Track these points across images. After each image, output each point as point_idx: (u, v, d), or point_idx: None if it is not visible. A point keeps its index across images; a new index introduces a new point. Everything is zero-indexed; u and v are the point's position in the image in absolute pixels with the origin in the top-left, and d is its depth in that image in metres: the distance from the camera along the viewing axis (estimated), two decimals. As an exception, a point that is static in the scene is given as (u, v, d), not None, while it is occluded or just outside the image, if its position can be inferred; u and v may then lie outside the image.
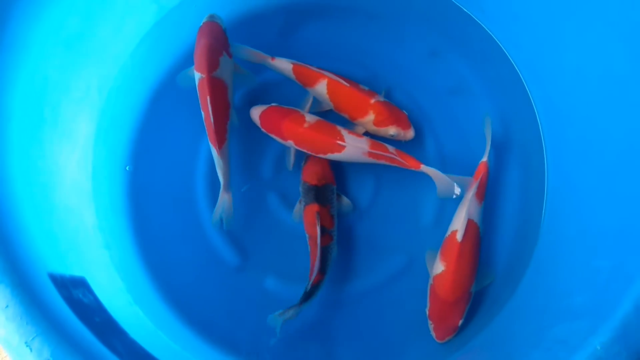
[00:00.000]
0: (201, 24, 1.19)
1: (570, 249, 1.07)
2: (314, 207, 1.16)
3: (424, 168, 1.14)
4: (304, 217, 1.18)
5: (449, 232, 1.14)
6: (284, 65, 1.22)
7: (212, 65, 1.15)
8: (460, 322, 1.10)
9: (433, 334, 1.12)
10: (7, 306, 0.82)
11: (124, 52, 1.25)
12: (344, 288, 1.20)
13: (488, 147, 1.18)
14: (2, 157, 0.96)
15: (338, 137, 1.14)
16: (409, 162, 1.14)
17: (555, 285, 1.05)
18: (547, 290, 1.07)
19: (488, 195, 1.20)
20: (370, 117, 1.19)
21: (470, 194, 1.14)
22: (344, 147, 1.14)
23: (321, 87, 1.20)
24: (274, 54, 1.21)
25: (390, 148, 1.15)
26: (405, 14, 1.29)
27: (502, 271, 1.19)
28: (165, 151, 1.25)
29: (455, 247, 1.10)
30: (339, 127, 1.17)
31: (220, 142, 1.14)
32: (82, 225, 1.15)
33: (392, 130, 1.19)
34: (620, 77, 1.02)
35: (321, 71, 1.20)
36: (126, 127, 1.25)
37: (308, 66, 1.20)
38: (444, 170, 1.16)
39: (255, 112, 1.20)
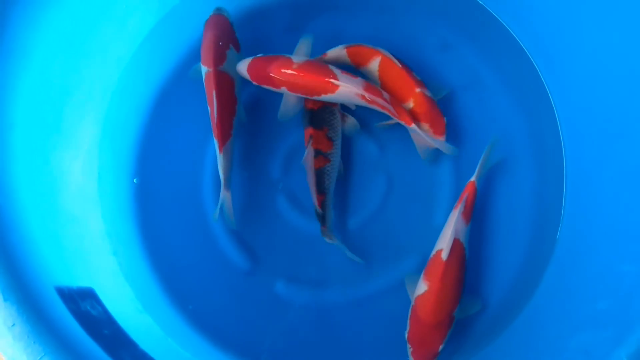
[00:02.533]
0: (208, 17, 1.18)
1: (592, 252, 1.05)
2: (308, 131, 1.16)
3: (414, 127, 1.12)
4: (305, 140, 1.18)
5: (434, 252, 1.11)
6: (336, 53, 1.20)
7: (218, 58, 1.14)
8: (441, 347, 1.07)
9: (411, 358, 1.08)
10: (13, 324, 0.81)
11: (126, 53, 1.23)
12: (358, 289, 1.18)
13: (479, 168, 1.14)
14: (5, 164, 0.95)
15: (331, 76, 1.11)
16: (401, 116, 1.12)
17: (576, 290, 1.03)
18: (567, 296, 1.06)
19: (504, 194, 1.19)
20: (409, 105, 1.16)
21: (457, 213, 1.11)
22: (337, 86, 1.10)
23: (374, 65, 1.18)
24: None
25: (385, 95, 1.12)
26: (416, 7, 1.27)
27: (518, 275, 1.17)
28: (172, 154, 1.23)
29: (440, 266, 1.07)
30: (332, 67, 1.14)
31: (224, 137, 1.13)
32: (89, 232, 1.14)
33: (423, 126, 1.15)
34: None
35: (376, 49, 1.18)
36: (131, 130, 1.23)
37: (361, 45, 1.18)
38: (459, 165, 1.17)
39: (243, 67, 1.16)
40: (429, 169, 1.21)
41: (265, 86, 1.16)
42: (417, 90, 1.15)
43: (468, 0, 1.26)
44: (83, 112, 1.17)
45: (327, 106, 1.17)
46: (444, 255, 1.07)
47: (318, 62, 1.15)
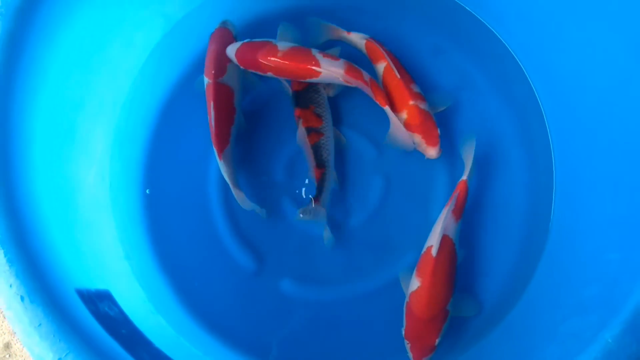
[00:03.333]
0: (213, 30, 1.23)
1: (580, 244, 1.09)
2: (296, 112, 1.21)
3: (387, 110, 1.16)
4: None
5: (424, 249, 1.13)
6: (357, 39, 1.25)
7: (218, 71, 1.19)
8: (437, 340, 1.09)
9: (410, 354, 1.10)
10: (40, 324, 0.85)
11: (135, 66, 1.27)
12: (358, 287, 1.21)
13: (468, 167, 1.16)
14: (27, 175, 0.98)
15: (313, 63, 1.15)
16: (377, 97, 1.17)
17: (567, 280, 1.07)
18: (559, 285, 1.09)
19: (496, 191, 1.23)
20: (403, 116, 1.19)
21: (447, 211, 1.13)
22: (319, 72, 1.15)
23: (379, 68, 1.23)
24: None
25: (366, 76, 1.17)
26: (408, 14, 1.30)
27: (514, 268, 1.20)
28: (178, 162, 1.27)
29: (431, 263, 1.09)
30: (314, 51, 1.18)
31: (222, 145, 1.17)
32: (103, 238, 1.17)
33: (415, 138, 1.19)
34: (626, 68, 1.04)
35: (387, 54, 1.21)
36: (140, 140, 1.27)
37: (379, 45, 1.22)
38: (454, 166, 1.21)
39: (231, 52, 1.20)
40: (425, 169, 1.24)
41: (253, 71, 1.20)
42: (411, 102, 1.18)
43: (457, 7, 1.30)
44: (95, 124, 1.21)
45: (311, 85, 1.22)
46: (434, 252, 1.09)
47: (301, 48, 1.19)
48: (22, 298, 0.86)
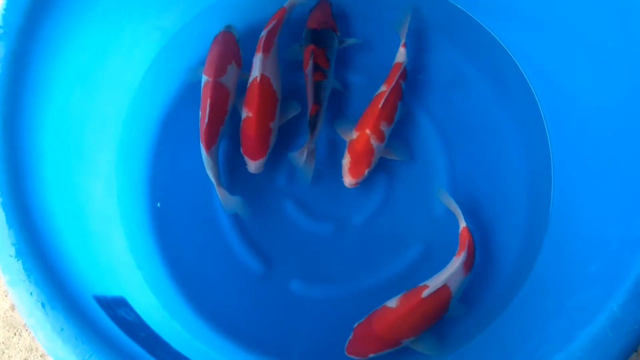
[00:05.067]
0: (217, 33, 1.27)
1: (582, 222, 1.11)
2: (310, 47, 1.24)
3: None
4: (303, 57, 1.25)
5: (421, 284, 1.12)
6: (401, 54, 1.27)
7: (219, 71, 1.21)
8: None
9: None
10: (62, 329, 0.86)
11: (134, 81, 1.30)
12: (364, 283, 1.23)
13: (458, 213, 1.16)
14: (41, 191, 1.00)
15: None
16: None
17: (571, 258, 1.09)
18: (563, 264, 1.11)
19: (495, 176, 1.26)
20: (353, 135, 1.21)
21: (458, 263, 1.11)
22: None
23: (381, 87, 1.25)
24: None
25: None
26: (400, 13, 1.31)
27: (518, 251, 1.22)
28: (182, 170, 1.29)
29: (415, 300, 1.08)
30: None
31: (210, 143, 1.18)
32: (115, 249, 1.19)
33: (345, 158, 1.21)
34: (619, 60, 1.06)
35: (396, 84, 1.22)
36: (143, 153, 1.29)
37: (399, 71, 1.24)
38: (453, 158, 1.26)
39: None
40: (425, 162, 1.27)
41: None
42: (368, 131, 1.19)
43: (448, 5, 1.34)
44: (99, 139, 1.23)
45: (329, 29, 1.27)
46: (425, 294, 1.08)
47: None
48: (42, 305, 0.87)
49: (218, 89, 1.21)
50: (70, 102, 1.13)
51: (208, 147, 1.18)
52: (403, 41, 1.26)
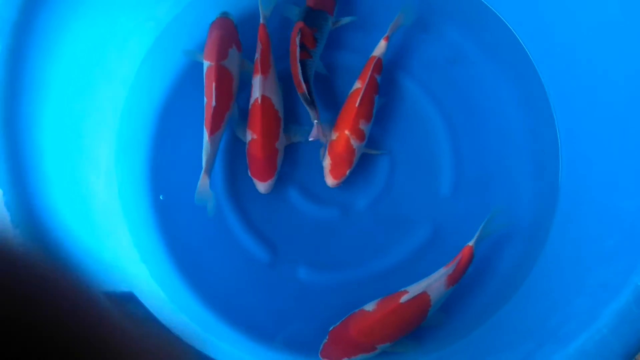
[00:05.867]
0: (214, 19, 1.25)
1: (593, 196, 1.10)
2: (299, 24, 1.22)
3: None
4: (292, 32, 1.24)
5: (401, 290, 1.11)
6: (380, 46, 1.25)
7: (221, 54, 1.20)
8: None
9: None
10: None
11: (130, 72, 1.28)
12: (373, 268, 1.22)
13: (478, 234, 1.12)
14: (44, 188, 0.98)
15: None
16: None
17: (585, 234, 1.08)
18: (577, 241, 1.10)
19: (500, 156, 1.25)
20: (334, 136, 1.21)
21: (443, 272, 1.09)
22: None
23: (355, 84, 1.23)
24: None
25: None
26: None
27: (529, 225, 1.21)
28: (183, 161, 1.27)
29: (393, 304, 1.08)
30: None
31: (214, 128, 1.17)
32: (120, 244, 1.18)
33: (326, 159, 1.21)
34: (623, 30, 1.06)
35: (370, 79, 1.21)
36: (142, 145, 1.28)
37: (374, 66, 1.22)
38: (456, 136, 1.25)
39: None
40: (428, 142, 1.26)
41: None
42: (347, 132, 1.19)
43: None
44: (98, 133, 1.21)
45: (324, 11, 1.25)
46: (403, 299, 1.07)
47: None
48: (55, 303, 0.86)
49: (222, 72, 1.19)
50: (67, 96, 1.11)
51: (212, 132, 1.16)
52: (387, 34, 1.24)
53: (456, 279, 1.10)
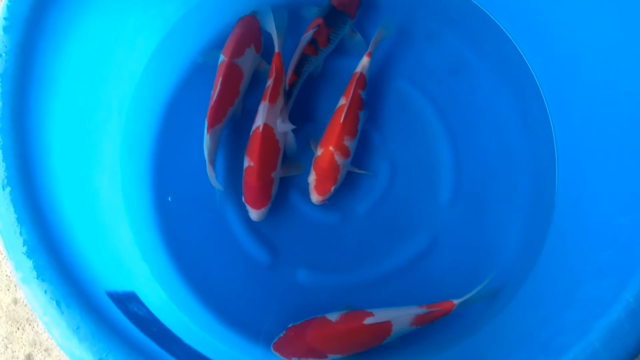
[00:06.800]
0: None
1: (589, 212, 1.11)
2: (318, 21, 1.25)
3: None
4: (310, 25, 1.26)
5: (369, 310, 1.12)
6: (363, 62, 1.25)
7: (236, 52, 1.21)
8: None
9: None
10: (78, 327, 0.86)
11: (137, 70, 1.28)
12: (372, 272, 1.23)
13: (469, 295, 1.13)
14: (51, 186, 0.99)
15: None
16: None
17: (579, 248, 1.09)
18: (570, 253, 1.11)
19: (498, 165, 1.26)
20: (319, 152, 1.21)
21: (412, 312, 1.10)
22: None
23: (340, 101, 1.24)
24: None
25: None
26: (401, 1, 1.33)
27: (522, 241, 1.23)
28: (186, 161, 1.28)
29: (358, 323, 1.09)
30: None
31: (214, 122, 1.18)
32: (122, 242, 1.18)
33: (311, 175, 1.22)
34: (622, 44, 1.06)
35: (353, 96, 1.21)
36: (147, 143, 1.29)
37: (357, 83, 1.23)
38: (457, 145, 1.26)
39: None
40: (428, 150, 1.27)
41: None
42: (331, 148, 1.19)
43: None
44: (104, 131, 1.21)
45: (346, 14, 1.26)
46: (367, 321, 1.08)
47: None
48: (57, 303, 0.86)
49: (232, 69, 1.20)
50: (75, 93, 1.11)
51: (211, 126, 1.18)
52: (369, 50, 1.24)
53: (423, 323, 1.11)
